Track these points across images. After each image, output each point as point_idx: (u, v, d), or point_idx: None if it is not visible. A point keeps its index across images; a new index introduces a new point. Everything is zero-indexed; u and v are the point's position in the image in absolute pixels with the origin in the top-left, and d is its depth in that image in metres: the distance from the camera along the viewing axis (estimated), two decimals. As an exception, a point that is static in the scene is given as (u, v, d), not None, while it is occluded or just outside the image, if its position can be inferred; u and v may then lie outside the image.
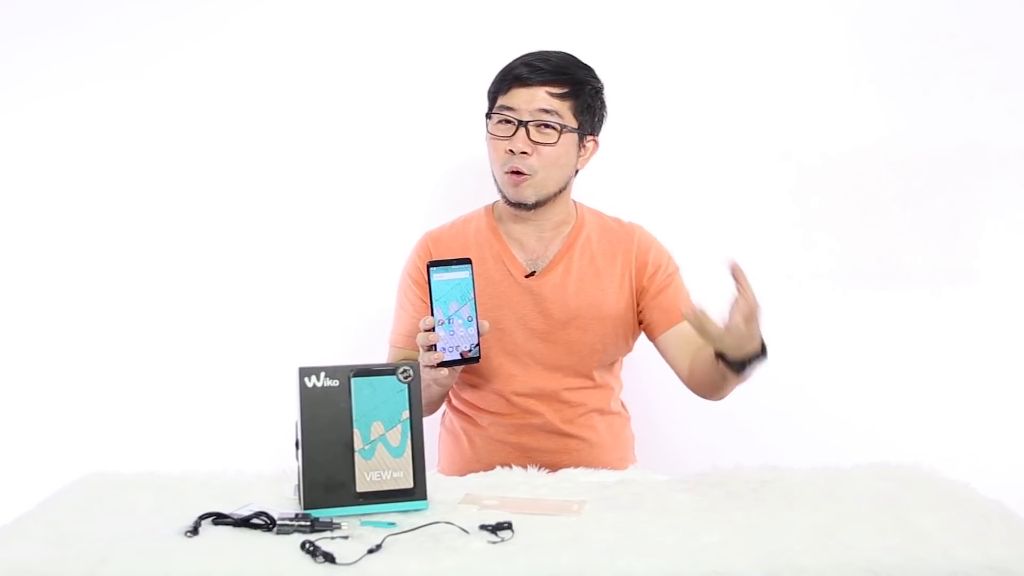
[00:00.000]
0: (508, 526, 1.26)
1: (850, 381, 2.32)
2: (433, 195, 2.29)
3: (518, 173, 1.73)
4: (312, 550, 1.17)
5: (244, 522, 1.27)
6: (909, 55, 2.31)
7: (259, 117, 2.28)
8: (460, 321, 1.56)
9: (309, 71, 2.27)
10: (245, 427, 2.24)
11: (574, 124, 1.76)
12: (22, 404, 2.27)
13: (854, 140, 2.31)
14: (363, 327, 2.17)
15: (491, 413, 1.83)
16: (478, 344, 1.58)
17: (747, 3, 2.30)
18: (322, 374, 1.36)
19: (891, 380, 2.32)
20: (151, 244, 2.28)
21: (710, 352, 1.59)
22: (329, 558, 1.15)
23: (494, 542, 1.23)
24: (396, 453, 1.36)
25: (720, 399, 1.74)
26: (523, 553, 1.19)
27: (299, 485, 1.35)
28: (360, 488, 1.34)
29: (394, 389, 1.38)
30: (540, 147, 1.73)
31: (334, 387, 1.36)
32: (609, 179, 2.11)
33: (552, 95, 1.74)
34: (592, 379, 1.83)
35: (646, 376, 1.91)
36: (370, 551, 1.18)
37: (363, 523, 1.29)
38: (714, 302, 2.06)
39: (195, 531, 1.25)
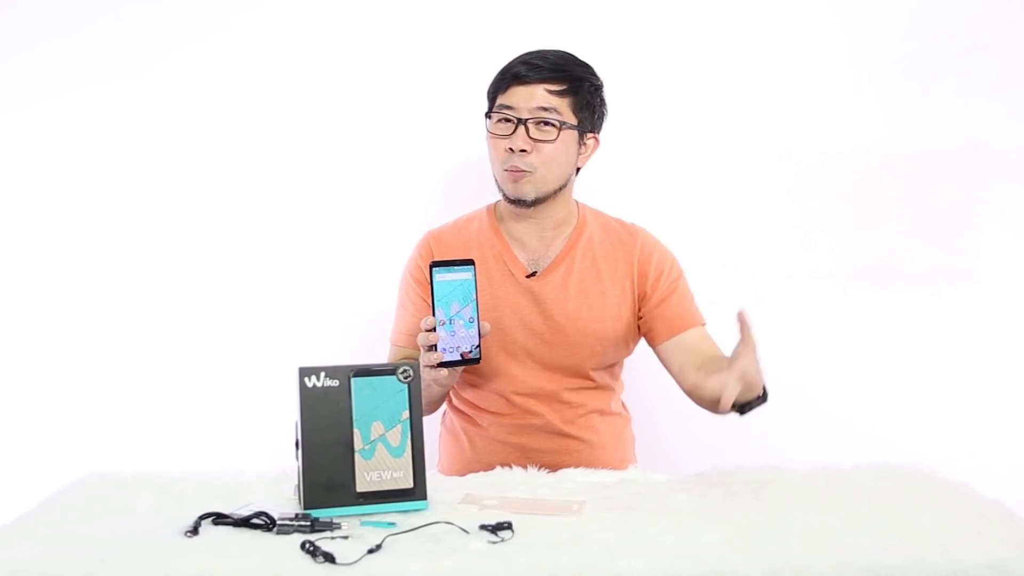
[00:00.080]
0: (508, 526, 1.26)
1: (850, 381, 2.32)
2: (433, 195, 2.29)
3: (518, 171, 1.73)
4: (312, 550, 1.17)
5: (244, 522, 1.27)
6: (909, 55, 2.31)
7: (259, 117, 2.28)
8: (461, 322, 1.56)
9: (309, 71, 2.28)
10: (245, 427, 2.24)
11: (573, 121, 1.76)
12: (22, 404, 2.27)
13: (854, 140, 2.31)
14: (363, 327, 2.17)
15: (491, 413, 1.83)
16: (479, 345, 1.58)
17: (747, 3, 2.30)
18: (322, 374, 1.36)
19: (891, 380, 2.32)
20: (151, 244, 2.28)
21: (713, 385, 1.58)
22: (329, 558, 1.15)
23: (494, 542, 1.23)
24: (396, 453, 1.36)
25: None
26: (523, 553, 1.19)
27: (299, 485, 1.35)
28: (360, 488, 1.34)
29: (394, 389, 1.38)
30: (540, 144, 1.73)
31: (334, 387, 1.36)
32: (609, 179, 2.11)
33: (551, 92, 1.74)
34: (592, 380, 1.83)
35: (647, 376, 1.91)
36: (370, 551, 1.18)
37: (363, 523, 1.29)
38: (714, 303, 2.08)
39: (195, 531, 1.25)
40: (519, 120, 1.73)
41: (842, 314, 2.33)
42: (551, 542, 1.22)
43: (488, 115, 1.78)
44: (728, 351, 1.84)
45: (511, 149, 1.73)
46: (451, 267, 1.55)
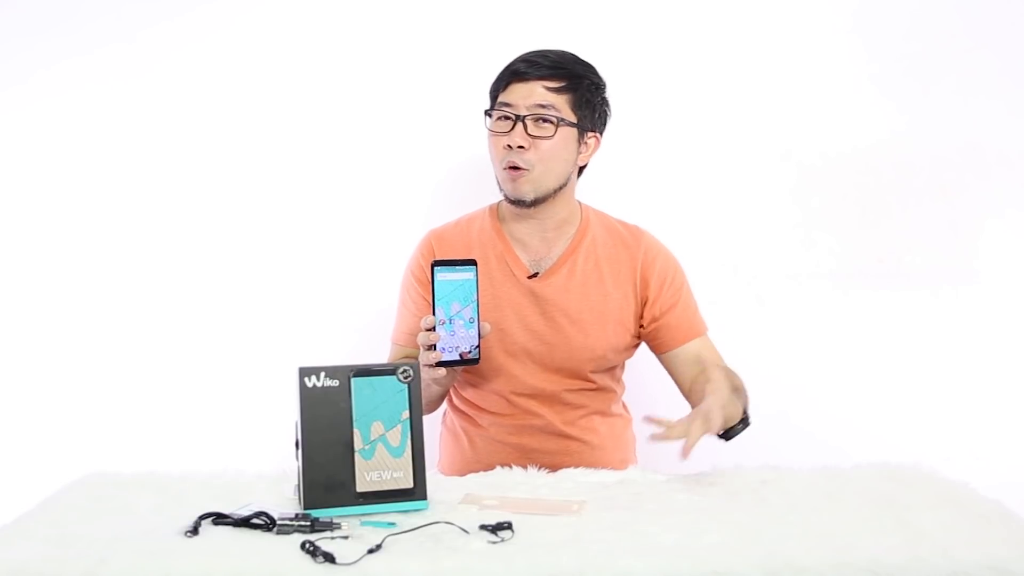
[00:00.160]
0: (508, 526, 1.26)
1: (850, 381, 2.32)
2: (435, 195, 2.29)
3: (516, 168, 1.73)
4: (312, 550, 1.17)
5: (244, 522, 1.27)
6: (909, 55, 2.31)
7: (260, 117, 2.28)
8: (461, 322, 1.56)
9: (311, 71, 2.28)
10: (245, 427, 2.24)
11: (572, 119, 1.75)
12: (22, 404, 2.27)
13: (854, 140, 2.31)
14: (364, 327, 2.17)
15: (492, 413, 1.83)
16: (478, 346, 1.57)
17: (747, 3, 2.30)
18: (322, 374, 1.36)
19: (891, 380, 2.32)
20: (151, 244, 2.28)
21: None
22: (329, 558, 1.15)
23: (494, 542, 1.23)
24: (396, 453, 1.36)
25: None
26: (523, 553, 1.19)
27: (299, 485, 1.34)
28: (360, 488, 1.34)
29: (394, 389, 1.38)
30: (537, 141, 1.73)
31: (334, 387, 1.36)
32: (609, 179, 2.11)
33: (549, 89, 1.74)
34: (593, 382, 1.83)
35: (649, 377, 1.91)
36: (370, 551, 1.18)
37: (363, 523, 1.29)
38: (714, 303, 2.08)
39: (195, 531, 1.25)
40: (517, 117, 1.73)
41: (842, 314, 2.33)
42: (551, 542, 1.22)
43: (488, 113, 1.78)
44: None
45: (509, 146, 1.73)
46: (453, 267, 1.55)
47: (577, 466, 1.64)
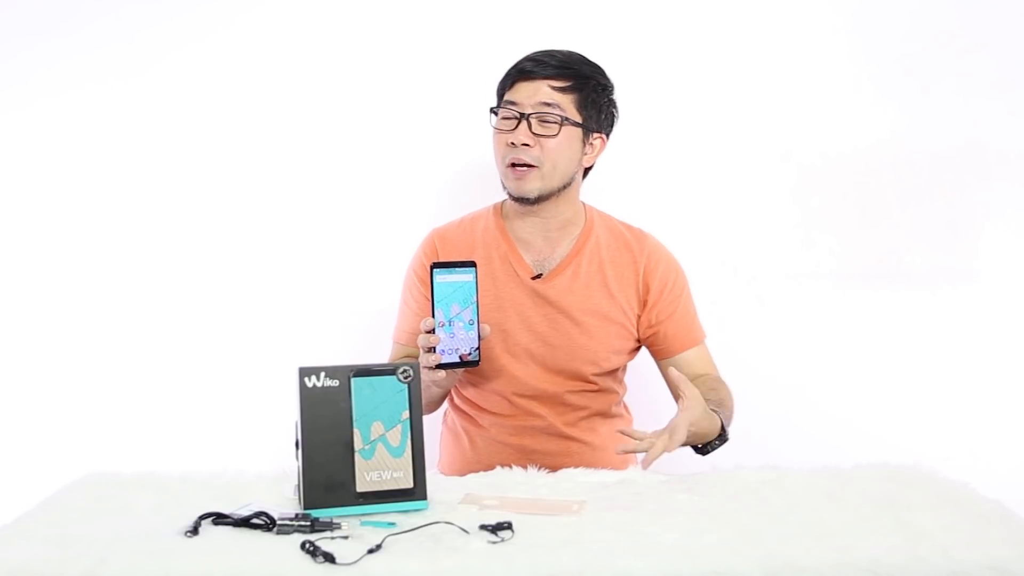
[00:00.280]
0: (508, 526, 1.26)
1: (850, 381, 2.32)
2: (440, 195, 2.29)
3: (521, 165, 1.73)
4: (312, 550, 1.17)
5: (244, 522, 1.27)
6: (909, 55, 2.31)
7: (262, 118, 2.28)
8: (461, 324, 1.56)
9: (313, 70, 2.28)
10: (245, 427, 2.24)
11: (577, 118, 1.75)
12: (22, 404, 2.28)
13: (854, 140, 2.31)
14: (365, 326, 2.18)
15: (493, 413, 1.83)
16: (478, 348, 1.57)
17: (747, 3, 2.30)
18: (322, 374, 1.36)
19: (891, 380, 2.32)
20: (152, 244, 2.28)
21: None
22: (329, 558, 1.15)
23: (494, 542, 1.23)
24: (396, 453, 1.36)
25: None
26: (523, 553, 1.19)
27: (299, 485, 1.34)
28: (360, 488, 1.34)
29: (394, 389, 1.38)
30: (542, 139, 1.73)
31: (334, 387, 1.36)
32: (609, 179, 2.11)
33: (554, 88, 1.74)
34: (595, 383, 1.83)
35: (650, 378, 1.91)
36: (370, 551, 1.18)
37: (363, 523, 1.29)
38: (714, 303, 2.08)
39: (195, 531, 1.25)
40: (521, 115, 1.73)
41: (842, 314, 2.33)
42: (551, 542, 1.22)
43: (494, 111, 1.79)
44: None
45: (513, 143, 1.73)
46: (452, 268, 1.55)
47: (577, 467, 1.64)
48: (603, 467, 1.70)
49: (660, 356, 1.85)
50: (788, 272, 2.33)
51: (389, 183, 2.29)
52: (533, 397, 1.81)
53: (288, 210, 2.30)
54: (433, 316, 1.54)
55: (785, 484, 1.49)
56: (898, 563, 1.16)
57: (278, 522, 1.26)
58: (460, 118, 2.20)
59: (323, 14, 2.27)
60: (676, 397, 1.84)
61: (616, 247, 1.85)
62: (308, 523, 1.25)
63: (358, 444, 1.35)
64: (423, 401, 1.66)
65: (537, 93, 1.74)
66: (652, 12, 2.29)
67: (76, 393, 2.27)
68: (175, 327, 2.28)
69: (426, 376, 1.57)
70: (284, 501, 1.38)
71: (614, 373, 1.87)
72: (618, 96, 1.85)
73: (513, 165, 1.74)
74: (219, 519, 1.28)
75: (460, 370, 1.65)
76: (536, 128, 1.73)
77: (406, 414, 1.38)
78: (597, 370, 1.82)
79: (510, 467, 1.61)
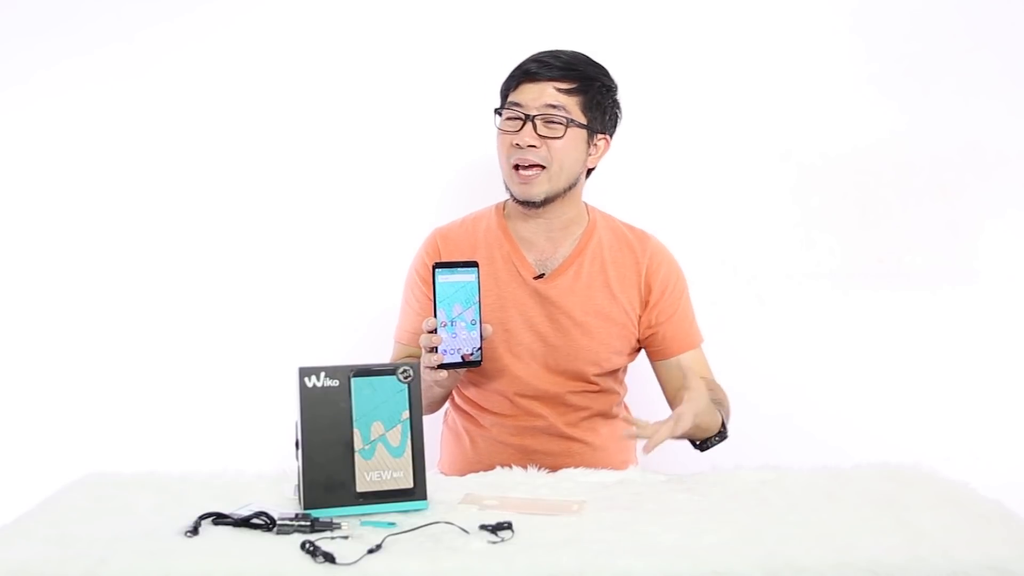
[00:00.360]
0: (508, 526, 1.26)
1: (850, 381, 2.32)
2: (443, 195, 2.29)
3: (527, 167, 1.73)
4: (312, 550, 1.17)
5: (244, 522, 1.27)
6: (909, 55, 2.31)
7: (264, 117, 2.28)
8: (463, 324, 1.56)
9: (314, 70, 2.28)
10: (245, 427, 2.24)
11: (582, 120, 1.75)
12: (22, 404, 2.28)
13: (854, 140, 2.31)
14: (367, 326, 2.18)
15: (494, 413, 1.83)
16: (480, 348, 1.57)
17: (747, 3, 2.30)
18: (322, 374, 1.36)
19: (891, 380, 2.32)
20: (152, 244, 2.28)
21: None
22: (329, 558, 1.15)
23: (494, 542, 1.23)
24: (396, 453, 1.36)
25: None
26: (523, 553, 1.19)
27: (299, 485, 1.34)
28: (360, 488, 1.34)
29: (394, 389, 1.38)
30: (547, 141, 1.73)
31: (334, 387, 1.36)
32: (610, 179, 2.11)
33: (560, 90, 1.74)
34: (596, 384, 1.83)
35: (651, 378, 1.91)
36: (370, 551, 1.18)
37: (363, 523, 1.29)
38: (714, 303, 2.08)
39: (195, 531, 1.25)
40: (527, 116, 1.73)
41: (842, 314, 2.33)
42: (551, 542, 1.22)
43: (498, 112, 1.78)
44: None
45: (518, 144, 1.73)
46: (454, 268, 1.55)
47: (578, 467, 1.64)
48: (603, 467, 1.70)
49: (656, 357, 1.85)
50: (788, 272, 2.33)
51: (391, 183, 2.29)
52: (535, 397, 1.81)
53: (289, 210, 2.29)
54: (435, 316, 1.54)
55: (785, 484, 1.49)
56: (898, 563, 1.16)
57: (278, 522, 1.26)
58: (462, 118, 2.20)
59: (324, 14, 2.27)
60: (670, 398, 1.84)
61: (618, 247, 1.85)
62: (308, 523, 1.25)
63: (358, 444, 1.35)
64: (425, 401, 1.66)
65: (542, 95, 1.74)
66: (652, 12, 2.29)
67: (76, 393, 2.27)
68: (175, 327, 2.28)
69: (428, 376, 1.57)
70: (284, 501, 1.38)
71: (615, 373, 1.87)
72: (619, 96, 1.85)
73: (518, 167, 1.74)
74: (219, 519, 1.28)
75: (462, 370, 1.65)
76: (541, 130, 1.73)
77: (406, 414, 1.38)
78: (599, 370, 1.82)
79: (510, 467, 1.61)
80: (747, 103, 2.30)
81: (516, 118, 1.74)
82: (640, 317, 1.83)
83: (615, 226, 1.88)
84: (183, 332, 2.28)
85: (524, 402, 1.81)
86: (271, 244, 2.29)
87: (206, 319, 2.28)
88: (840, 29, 2.31)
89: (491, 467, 1.64)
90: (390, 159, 2.29)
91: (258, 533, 1.25)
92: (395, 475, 1.36)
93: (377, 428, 1.36)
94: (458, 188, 2.29)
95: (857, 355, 2.32)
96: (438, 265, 1.54)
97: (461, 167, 2.29)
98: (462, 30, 2.27)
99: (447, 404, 1.93)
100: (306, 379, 1.35)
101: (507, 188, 1.80)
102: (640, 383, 2.00)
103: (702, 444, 1.70)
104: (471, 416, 1.86)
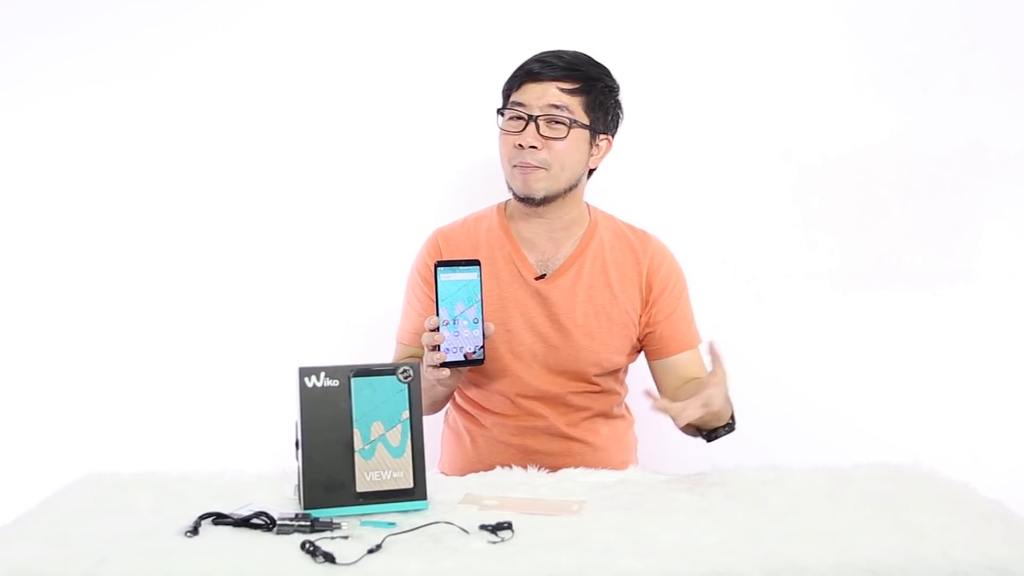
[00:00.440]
0: (508, 526, 1.26)
1: (850, 381, 2.32)
2: (444, 195, 2.28)
3: (528, 166, 1.73)
4: (312, 550, 1.17)
5: (244, 522, 1.27)
6: (909, 55, 2.31)
7: (263, 117, 2.28)
8: (466, 322, 1.56)
9: (315, 70, 2.27)
10: (245, 427, 2.24)
11: (585, 120, 1.75)
12: (22, 404, 2.28)
13: (854, 140, 2.31)
14: (368, 326, 2.18)
15: (495, 414, 1.83)
16: (483, 346, 1.57)
17: (747, 3, 2.30)
18: (322, 374, 1.36)
19: (891, 380, 2.32)
20: (152, 244, 2.28)
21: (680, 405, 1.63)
22: (329, 558, 1.15)
23: (494, 542, 1.23)
24: (396, 453, 1.36)
25: None
26: (523, 553, 1.19)
27: (299, 485, 1.35)
28: (360, 488, 1.34)
29: (394, 389, 1.38)
30: (550, 142, 1.73)
31: (334, 387, 1.36)
32: (610, 179, 2.11)
33: (563, 90, 1.74)
34: (597, 384, 1.83)
35: (651, 379, 1.91)
36: (370, 551, 1.18)
37: (363, 523, 1.29)
38: (714, 303, 2.08)
39: (195, 531, 1.25)
40: (530, 117, 1.73)
41: (842, 314, 2.33)
42: (551, 542, 1.22)
43: (501, 112, 1.78)
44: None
45: (520, 145, 1.73)
46: (456, 267, 1.55)
47: (578, 467, 1.64)
48: (604, 467, 1.70)
49: (654, 356, 1.85)
50: (788, 272, 2.33)
51: (392, 183, 2.29)
52: (536, 398, 1.81)
53: (289, 210, 2.29)
54: (437, 314, 1.54)
55: (785, 484, 1.49)
56: (898, 563, 1.16)
57: (278, 522, 1.26)
58: (463, 119, 2.20)
59: (325, 13, 2.27)
60: (667, 398, 1.83)
61: (619, 248, 1.85)
62: (308, 523, 1.25)
63: (358, 444, 1.35)
64: (428, 401, 1.66)
65: (545, 95, 1.74)
66: (652, 12, 2.29)
67: (76, 393, 2.27)
68: (175, 327, 2.28)
69: (431, 375, 1.57)
70: (284, 501, 1.39)
71: (616, 374, 1.87)
72: (620, 97, 1.85)
73: (519, 166, 1.74)
74: (219, 519, 1.28)
75: (465, 369, 1.65)
76: (544, 130, 1.73)
77: (406, 414, 1.38)
78: (600, 371, 1.82)
79: (510, 467, 1.61)
80: (747, 103, 2.30)
81: (519, 118, 1.74)
82: (640, 317, 1.83)
83: (616, 226, 1.88)
84: (183, 332, 2.28)
85: (525, 402, 1.81)
86: (271, 244, 2.29)
87: (206, 319, 2.28)
88: (840, 29, 2.31)
89: (491, 467, 1.64)
90: (391, 159, 2.29)
91: (258, 533, 1.25)
92: (395, 475, 1.36)
93: (377, 428, 1.36)
94: (459, 188, 2.29)
95: (857, 355, 2.32)
96: (440, 263, 1.54)
97: (462, 168, 2.29)
98: (463, 30, 2.27)
99: (448, 405, 1.93)
100: (306, 379, 1.35)
101: (508, 186, 1.80)
102: (640, 383, 2.00)
103: (711, 434, 1.68)
104: (472, 416, 1.86)
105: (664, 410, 1.50)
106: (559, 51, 1.78)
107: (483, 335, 1.57)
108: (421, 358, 1.60)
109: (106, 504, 1.39)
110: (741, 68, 2.30)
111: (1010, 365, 2.33)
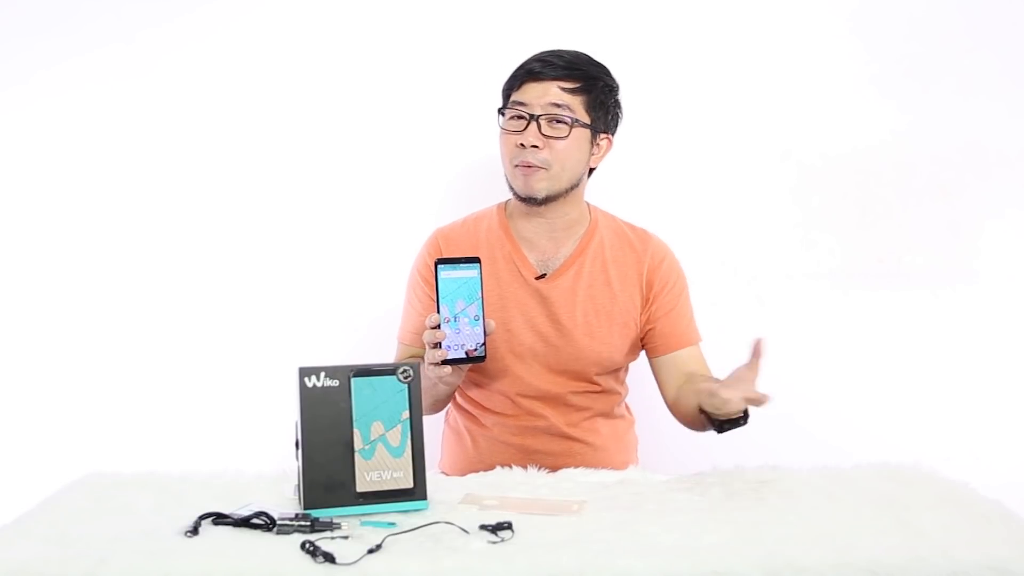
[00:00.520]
0: (508, 526, 1.26)
1: (850, 381, 2.32)
2: (445, 194, 2.28)
3: (529, 166, 1.73)
4: (312, 550, 1.17)
5: (244, 522, 1.27)
6: (909, 55, 2.31)
7: (264, 117, 2.28)
8: (467, 320, 1.56)
9: (316, 70, 2.27)
10: (245, 427, 2.24)
11: (586, 120, 1.75)
12: (22, 404, 2.27)
13: (854, 140, 2.31)
14: (368, 326, 2.18)
15: (496, 413, 1.83)
16: (484, 343, 1.57)
17: (747, 3, 2.30)
18: (322, 374, 1.36)
19: (891, 380, 2.32)
20: (152, 244, 2.28)
21: (695, 401, 1.64)
22: (329, 558, 1.15)
23: (494, 542, 1.23)
24: (396, 453, 1.36)
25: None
26: (523, 553, 1.19)
27: (299, 485, 1.35)
28: (360, 488, 1.34)
29: (394, 389, 1.38)
30: (551, 141, 1.73)
31: (334, 387, 1.36)
32: (610, 179, 2.11)
33: (564, 90, 1.74)
34: (598, 384, 1.83)
35: (651, 379, 1.91)
36: (370, 551, 1.18)
37: (363, 523, 1.29)
38: (714, 303, 2.07)
39: (195, 531, 1.25)
40: (531, 116, 1.73)
41: (842, 314, 2.33)
42: (551, 542, 1.22)
43: (501, 111, 1.78)
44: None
45: (522, 145, 1.73)
46: (456, 265, 1.55)
47: (578, 467, 1.64)
48: (604, 467, 1.70)
49: (654, 354, 1.85)
50: (788, 272, 2.33)
51: (392, 183, 2.29)
52: (537, 398, 1.81)
53: (290, 210, 2.29)
54: (438, 312, 1.54)
55: (785, 484, 1.49)
56: (898, 563, 1.16)
57: (278, 522, 1.26)
58: (463, 119, 2.20)
59: (325, 13, 2.27)
60: (667, 397, 1.83)
61: (620, 247, 1.85)
62: (308, 523, 1.25)
63: (358, 444, 1.35)
64: (429, 400, 1.66)
65: (546, 94, 1.74)
66: (652, 12, 2.29)
67: (76, 393, 2.27)
68: (175, 327, 2.28)
69: (432, 373, 1.57)
70: (284, 501, 1.39)
71: (616, 373, 1.87)
72: (620, 96, 1.85)
73: (521, 166, 1.74)
74: (219, 519, 1.28)
75: (466, 367, 1.65)
76: (546, 129, 1.73)
77: (406, 414, 1.38)
78: (600, 370, 1.82)
79: (510, 467, 1.61)
80: (747, 103, 2.30)
81: (520, 117, 1.74)
82: (641, 315, 1.83)
83: (617, 226, 1.88)
84: (183, 332, 2.28)
85: (526, 402, 1.81)
86: (271, 244, 2.29)
87: (206, 319, 2.28)
88: (840, 30, 2.31)
89: (492, 467, 1.64)
90: (391, 160, 2.29)
91: (258, 533, 1.25)
92: (395, 475, 1.36)
93: (377, 428, 1.36)
94: (459, 188, 2.29)
95: (857, 355, 2.32)
96: (440, 261, 1.54)
97: (462, 168, 2.29)
98: (463, 30, 2.27)
99: (449, 404, 1.93)
100: (306, 379, 1.35)
101: (509, 186, 1.80)
102: (640, 384, 2.00)
103: (722, 426, 1.63)
104: (473, 416, 1.86)
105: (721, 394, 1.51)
106: (559, 51, 1.78)
107: (484, 332, 1.57)
108: (422, 358, 1.60)
109: (106, 504, 1.39)
110: (741, 68, 2.30)
111: (1010, 365, 2.33)
